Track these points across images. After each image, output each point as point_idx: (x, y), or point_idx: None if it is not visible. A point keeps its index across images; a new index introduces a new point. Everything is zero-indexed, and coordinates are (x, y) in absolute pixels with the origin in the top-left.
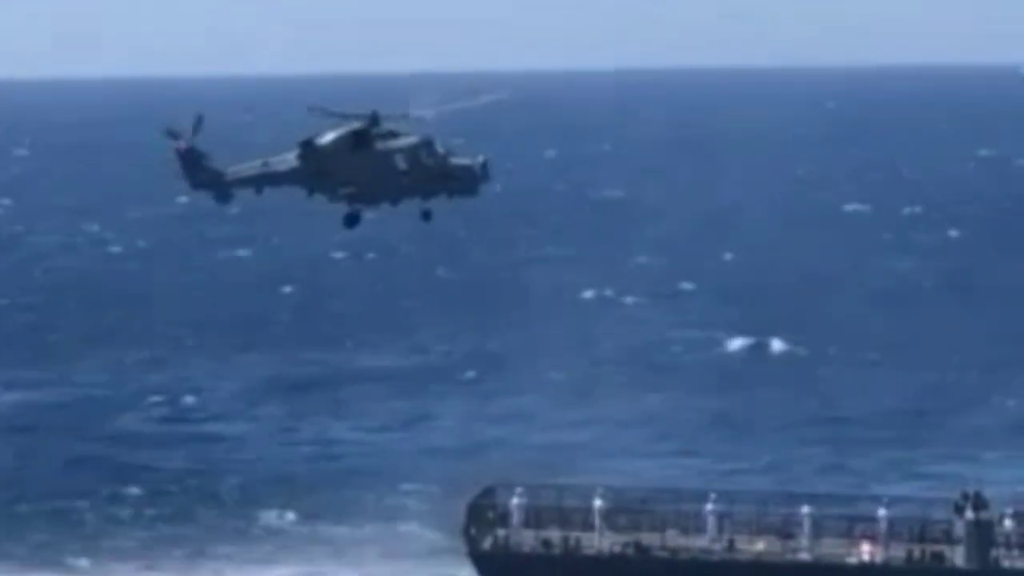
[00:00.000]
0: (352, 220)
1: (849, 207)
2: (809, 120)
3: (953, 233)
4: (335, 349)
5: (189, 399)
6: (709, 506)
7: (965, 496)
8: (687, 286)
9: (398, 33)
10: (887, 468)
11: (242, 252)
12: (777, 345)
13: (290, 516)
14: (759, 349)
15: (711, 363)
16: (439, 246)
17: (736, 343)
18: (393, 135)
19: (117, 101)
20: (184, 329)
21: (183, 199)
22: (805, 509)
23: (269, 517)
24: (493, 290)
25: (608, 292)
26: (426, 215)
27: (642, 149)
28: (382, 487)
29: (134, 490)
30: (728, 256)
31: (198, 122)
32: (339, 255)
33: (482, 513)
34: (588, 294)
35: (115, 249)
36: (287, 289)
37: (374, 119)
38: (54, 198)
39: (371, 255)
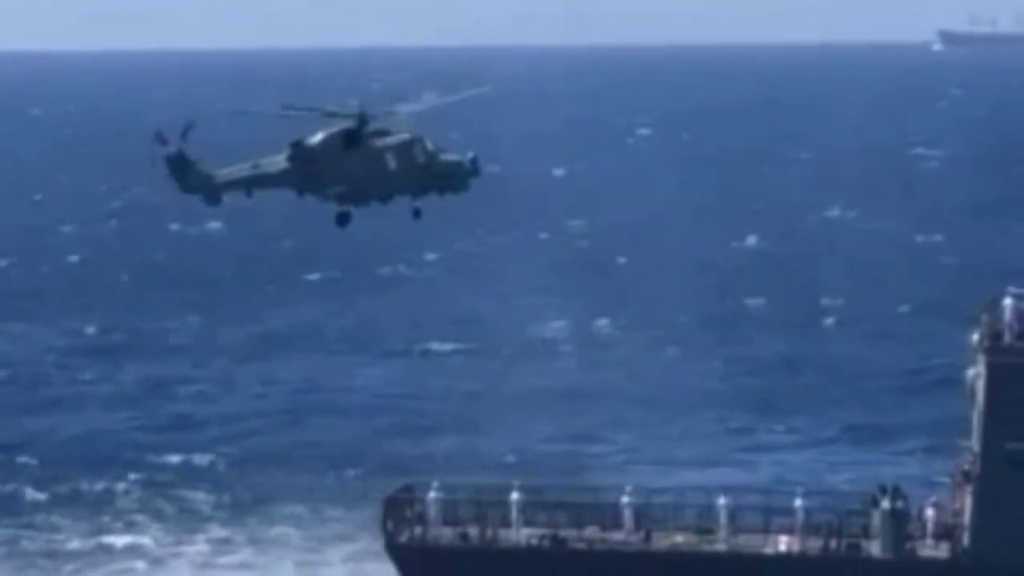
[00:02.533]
0: (343, 219)
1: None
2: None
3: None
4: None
5: None
6: (625, 499)
7: (883, 490)
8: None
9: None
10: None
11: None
12: (600, 323)
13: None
14: (580, 326)
15: (534, 340)
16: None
17: (559, 321)
18: (383, 133)
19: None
20: None
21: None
22: (722, 500)
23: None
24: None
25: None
26: (416, 213)
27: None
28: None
29: None
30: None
31: (187, 127)
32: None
33: (399, 508)
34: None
35: None
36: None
37: (363, 117)
38: None
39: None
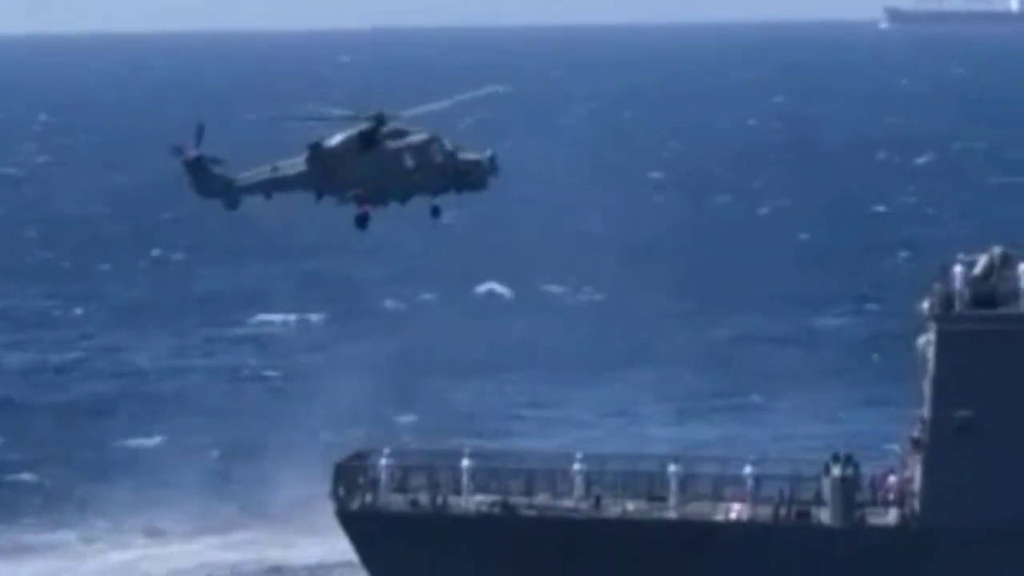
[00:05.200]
0: (362, 221)
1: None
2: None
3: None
4: None
5: None
6: (576, 466)
7: (835, 457)
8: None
9: None
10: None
11: None
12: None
13: None
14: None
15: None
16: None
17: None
18: (401, 133)
19: None
20: None
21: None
22: (672, 468)
23: None
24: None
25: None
26: (435, 211)
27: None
28: None
29: None
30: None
31: (200, 131)
32: None
33: (351, 475)
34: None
35: None
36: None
37: (380, 118)
38: None
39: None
